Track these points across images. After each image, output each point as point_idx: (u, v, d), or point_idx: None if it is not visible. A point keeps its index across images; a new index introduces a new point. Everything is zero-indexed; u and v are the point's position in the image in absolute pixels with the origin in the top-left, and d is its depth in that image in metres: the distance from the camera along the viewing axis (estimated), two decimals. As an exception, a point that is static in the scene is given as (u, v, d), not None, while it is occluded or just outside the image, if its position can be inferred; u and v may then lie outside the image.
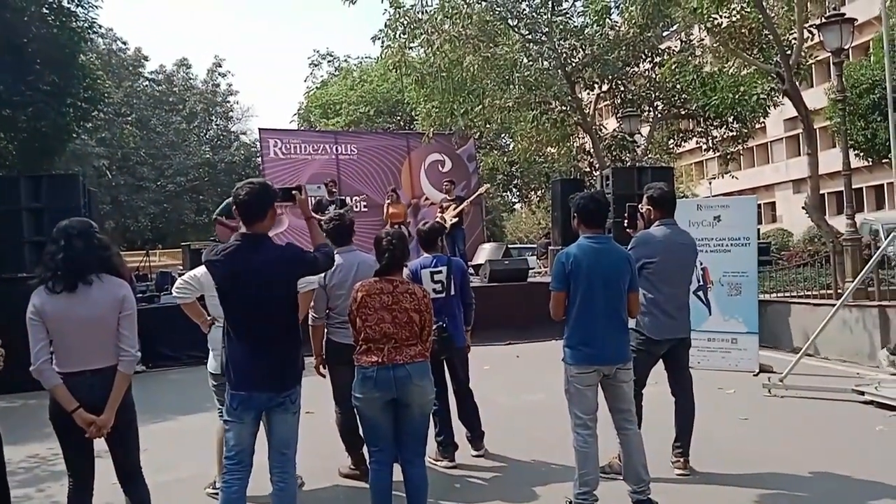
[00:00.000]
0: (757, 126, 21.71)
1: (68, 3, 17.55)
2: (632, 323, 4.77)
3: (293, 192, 3.74)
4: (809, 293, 10.17)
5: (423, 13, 15.94)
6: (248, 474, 3.53)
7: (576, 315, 4.11)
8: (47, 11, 16.82)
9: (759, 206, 28.29)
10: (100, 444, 3.46)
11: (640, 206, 5.05)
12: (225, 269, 3.47)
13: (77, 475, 3.50)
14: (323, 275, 4.47)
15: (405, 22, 15.70)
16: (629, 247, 4.84)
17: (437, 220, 12.22)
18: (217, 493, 4.58)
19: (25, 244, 8.77)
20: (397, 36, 15.81)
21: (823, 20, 10.89)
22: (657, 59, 18.69)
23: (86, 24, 18.20)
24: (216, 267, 3.51)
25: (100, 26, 19.96)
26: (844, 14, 10.84)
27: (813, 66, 24.16)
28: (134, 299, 3.56)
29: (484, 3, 16.90)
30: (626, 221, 5.18)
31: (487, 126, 18.69)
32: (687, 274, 5.05)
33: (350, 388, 3.88)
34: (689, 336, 4.98)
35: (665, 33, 19.80)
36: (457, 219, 12.62)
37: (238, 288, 3.45)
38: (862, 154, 21.69)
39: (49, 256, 3.37)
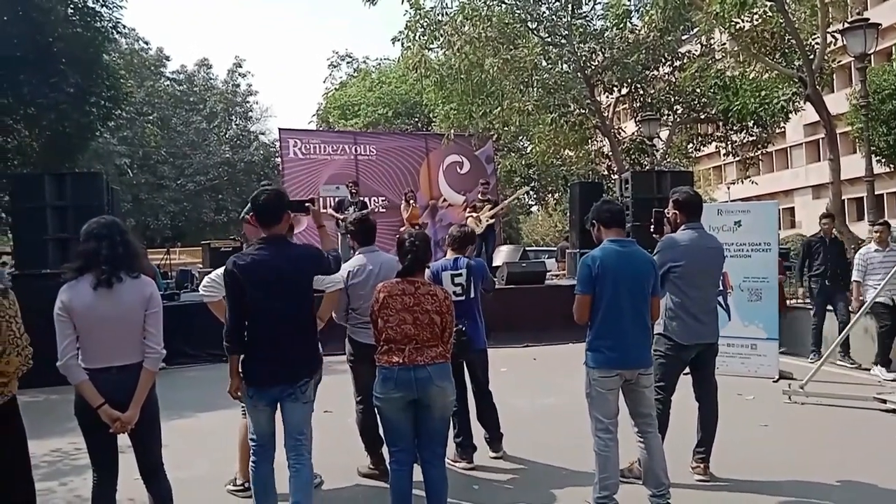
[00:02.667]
0: (777, 131, 21.56)
1: (93, 3, 17.75)
2: (659, 328, 4.76)
3: (306, 203, 4.12)
4: (830, 300, 10.04)
5: (443, 15, 16.01)
6: (273, 453, 3.80)
7: (601, 318, 4.09)
8: (72, 12, 17.02)
9: (778, 211, 27.96)
10: (123, 440, 3.51)
11: (666, 210, 5.03)
12: (251, 270, 3.64)
13: (101, 470, 3.55)
14: (346, 274, 4.57)
15: (425, 23, 15.77)
16: (654, 251, 4.82)
17: (473, 219, 12.21)
18: (238, 490, 4.68)
19: (49, 241, 8.87)
20: (417, 37, 15.88)
21: (847, 25, 10.81)
22: (677, 63, 18.63)
23: (110, 25, 18.38)
24: (245, 269, 3.65)
25: (123, 26, 20.12)
26: (868, 19, 10.75)
27: (834, 71, 23.94)
28: (160, 297, 3.60)
29: (504, 6, 16.93)
30: (652, 226, 5.15)
31: (506, 128, 18.71)
32: (715, 278, 5.02)
33: (371, 389, 3.91)
34: (717, 341, 4.93)
35: (685, 37, 19.73)
36: (492, 220, 12.59)
37: (261, 288, 3.63)
38: (884, 160, 21.48)
39: (90, 253, 3.41)
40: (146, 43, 38.38)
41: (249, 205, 3.94)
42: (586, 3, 18.10)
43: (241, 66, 42.73)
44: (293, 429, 3.77)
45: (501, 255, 15.07)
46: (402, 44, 16.27)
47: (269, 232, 3.76)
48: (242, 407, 4.67)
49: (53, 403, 3.89)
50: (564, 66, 17.84)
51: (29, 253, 8.99)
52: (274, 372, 3.69)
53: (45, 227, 8.91)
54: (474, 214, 12.66)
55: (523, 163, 24.62)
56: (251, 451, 3.81)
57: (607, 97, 20.03)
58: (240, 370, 3.75)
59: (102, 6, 17.97)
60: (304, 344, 3.81)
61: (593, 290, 4.10)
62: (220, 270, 4.69)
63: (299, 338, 3.76)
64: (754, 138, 19.61)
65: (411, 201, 13.90)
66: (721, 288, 8.20)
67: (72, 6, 16.96)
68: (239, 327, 3.70)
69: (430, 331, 3.78)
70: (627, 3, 16.18)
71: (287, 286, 3.68)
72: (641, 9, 17.24)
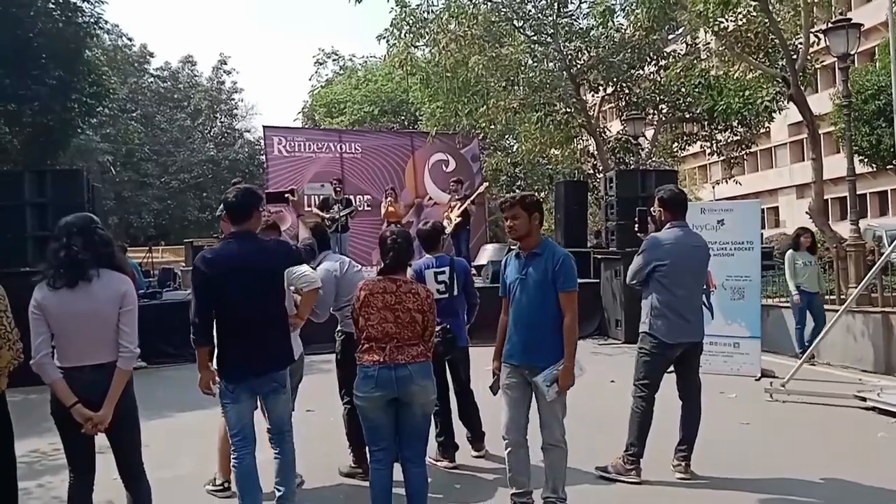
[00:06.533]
0: (761, 131, 21.68)
1: (74, -2, 17.58)
2: (644, 326, 4.77)
3: (286, 195, 4.36)
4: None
5: (428, 13, 15.94)
6: (254, 446, 3.88)
7: None
8: (53, 6, 16.87)
9: (763, 210, 28.16)
10: (103, 440, 3.47)
11: (650, 208, 5.02)
12: (217, 265, 3.77)
13: (77, 470, 3.51)
14: (338, 266, 4.79)
15: (411, 21, 15.69)
16: (639, 250, 4.81)
17: (444, 218, 12.21)
18: (217, 490, 4.64)
19: (29, 239, 8.79)
20: (403, 35, 15.80)
21: (830, 25, 10.87)
22: (662, 63, 18.66)
23: (92, 20, 18.25)
24: (209, 264, 3.78)
25: (106, 22, 20.02)
26: (851, 19, 10.81)
27: (818, 71, 24.13)
28: (135, 295, 3.55)
29: (489, 4, 16.89)
30: (636, 225, 5.14)
31: (492, 127, 18.66)
32: (700, 276, 5.01)
33: None
34: (702, 340, 4.94)
35: (671, 36, 19.77)
36: (461, 218, 12.57)
37: (230, 281, 3.73)
38: (866, 160, 21.68)
39: (52, 254, 3.38)
40: (130, 39, 38.11)
41: (223, 203, 3.98)
42: (572, 2, 18.11)
43: (225, 64, 42.51)
44: (278, 421, 3.98)
45: (487, 253, 15.08)
46: (388, 42, 16.19)
47: (240, 228, 3.85)
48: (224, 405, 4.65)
49: (31, 403, 3.81)
50: (550, 64, 17.81)
51: (8, 251, 8.87)
52: (248, 364, 3.78)
53: (24, 225, 8.83)
54: (446, 214, 12.69)
55: (509, 161, 24.59)
56: (232, 446, 3.88)
57: (593, 96, 20.03)
58: (209, 365, 3.86)
59: (84, 1, 17.80)
60: (276, 336, 3.89)
61: None
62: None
63: (271, 330, 3.85)
64: (739, 138, 19.68)
65: (389, 198, 13.83)
66: (704, 286, 8.24)
67: (52, 1, 16.78)
68: (205, 320, 3.79)
69: (411, 329, 3.76)
70: (612, 1, 16.17)
71: (254, 279, 3.77)
72: (627, 8, 17.25)
